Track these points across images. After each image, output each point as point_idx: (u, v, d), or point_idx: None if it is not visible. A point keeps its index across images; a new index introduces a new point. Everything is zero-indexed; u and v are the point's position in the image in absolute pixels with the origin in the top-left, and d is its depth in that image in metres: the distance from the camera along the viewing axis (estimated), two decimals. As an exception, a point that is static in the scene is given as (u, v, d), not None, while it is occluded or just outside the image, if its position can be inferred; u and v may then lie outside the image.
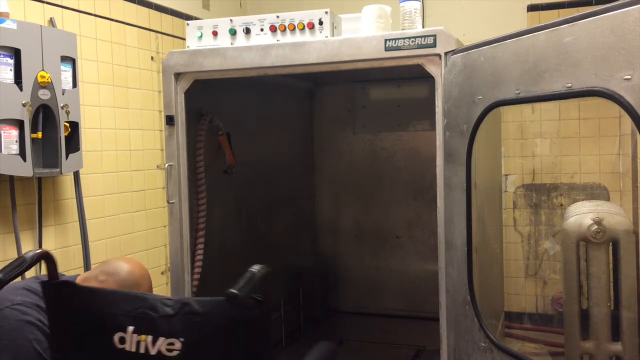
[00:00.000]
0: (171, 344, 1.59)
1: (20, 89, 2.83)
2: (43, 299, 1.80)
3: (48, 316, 1.80)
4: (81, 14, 3.40)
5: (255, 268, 1.57)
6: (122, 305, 1.66)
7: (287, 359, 3.86)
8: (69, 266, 3.24)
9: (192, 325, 1.60)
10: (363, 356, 4.12)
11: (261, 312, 1.58)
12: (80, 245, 3.32)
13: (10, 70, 2.81)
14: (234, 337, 1.62)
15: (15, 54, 2.82)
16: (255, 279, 1.54)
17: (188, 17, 4.25)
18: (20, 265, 1.66)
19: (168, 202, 2.93)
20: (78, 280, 2.15)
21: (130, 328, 1.61)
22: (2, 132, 2.76)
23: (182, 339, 1.58)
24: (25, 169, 2.86)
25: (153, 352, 1.60)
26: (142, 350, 1.60)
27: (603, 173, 4.20)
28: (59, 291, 1.74)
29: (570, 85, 1.84)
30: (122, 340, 1.62)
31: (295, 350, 3.89)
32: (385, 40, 2.54)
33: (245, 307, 1.55)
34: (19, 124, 2.83)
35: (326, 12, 2.74)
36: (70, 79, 3.13)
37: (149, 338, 1.60)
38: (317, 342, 2.16)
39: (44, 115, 2.97)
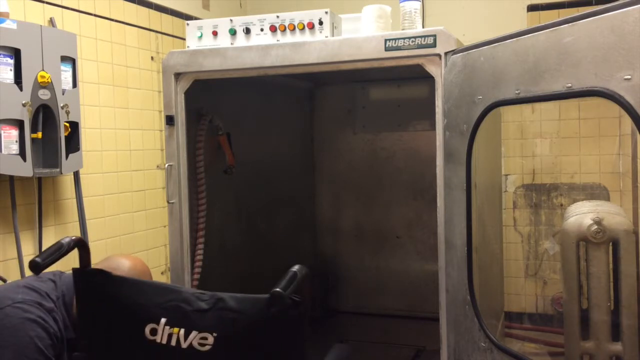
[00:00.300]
0: (204, 338, 1.58)
1: (20, 89, 2.83)
2: (75, 287, 1.78)
3: (78, 304, 1.80)
4: (81, 14, 3.40)
5: (296, 268, 1.57)
6: (155, 297, 1.64)
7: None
8: (69, 266, 3.22)
9: (226, 321, 1.59)
10: (363, 356, 4.11)
11: (297, 312, 1.56)
12: (80, 245, 3.32)
13: (10, 70, 2.81)
14: (267, 335, 1.60)
15: (15, 54, 2.82)
16: (297, 279, 1.54)
17: (188, 17, 4.25)
18: (59, 251, 1.66)
19: (168, 202, 2.93)
20: None
21: (163, 320, 1.60)
22: (2, 132, 2.76)
23: (215, 334, 1.57)
24: (25, 169, 2.86)
25: (184, 345, 1.58)
26: (173, 343, 1.59)
27: (603, 173, 4.20)
28: (91, 279, 1.72)
29: (570, 85, 1.84)
30: (154, 332, 1.61)
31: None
32: (385, 40, 2.54)
33: (282, 306, 1.54)
34: (19, 124, 2.83)
35: (326, 12, 2.74)
36: (70, 79, 3.13)
37: (182, 331, 1.59)
38: (334, 345, 2.14)
39: (44, 115, 2.97)
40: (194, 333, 1.58)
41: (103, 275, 1.73)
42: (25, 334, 1.90)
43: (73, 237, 1.71)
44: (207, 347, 1.57)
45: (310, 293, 1.59)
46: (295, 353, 1.60)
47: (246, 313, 1.59)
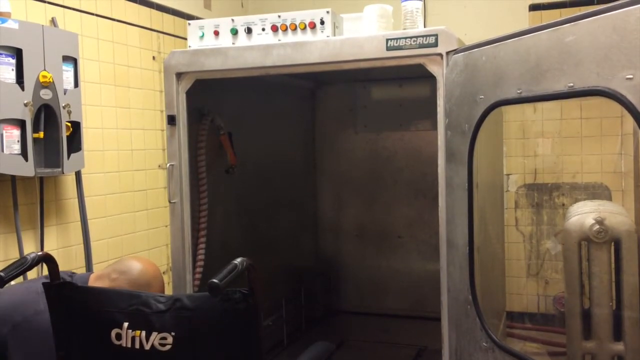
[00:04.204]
0: (164, 338, 1.64)
1: (22, 88, 2.83)
2: (47, 301, 1.83)
3: (50, 316, 1.82)
4: (83, 14, 3.40)
5: (238, 260, 1.61)
6: (118, 303, 1.71)
7: (288, 358, 3.86)
8: (71, 266, 3.24)
9: (182, 320, 1.66)
10: (364, 356, 4.12)
11: (247, 304, 1.61)
12: (82, 245, 3.32)
13: (12, 70, 2.81)
14: (222, 330, 1.66)
15: (17, 53, 2.81)
16: (237, 271, 1.58)
17: (190, 17, 4.25)
18: (22, 265, 1.72)
19: (170, 201, 2.93)
20: (91, 278, 2.18)
21: (126, 324, 1.67)
22: (4, 131, 2.76)
23: (173, 333, 1.64)
24: (27, 168, 2.86)
25: (147, 347, 1.65)
26: (137, 346, 1.66)
27: (605, 173, 4.19)
28: (59, 292, 1.79)
29: (572, 84, 1.84)
30: (119, 337, 1.68)
31: (296, 349, 3.88)
32: (387, 40, 2.54)
33: (231, 300, 1.61)
34: (21, 124, 2.83)
35: (328, 12, 2.74)
36: (71, 79, 3.13)
37: (143, 333, 1.65)
38: (316, 342, 2.19)
39: (46, 115, 2.97)
40: (154, 334, 1.65)
41: (70, 287, 1.80)
42: (52, 347, 1.90)
43: (39, 253, 1.78)
44: (167, 347, 1.64)
45: (262, 285, 1.63)
46: (251, 345, 1.65)
47: (200, 310, 1.66)
